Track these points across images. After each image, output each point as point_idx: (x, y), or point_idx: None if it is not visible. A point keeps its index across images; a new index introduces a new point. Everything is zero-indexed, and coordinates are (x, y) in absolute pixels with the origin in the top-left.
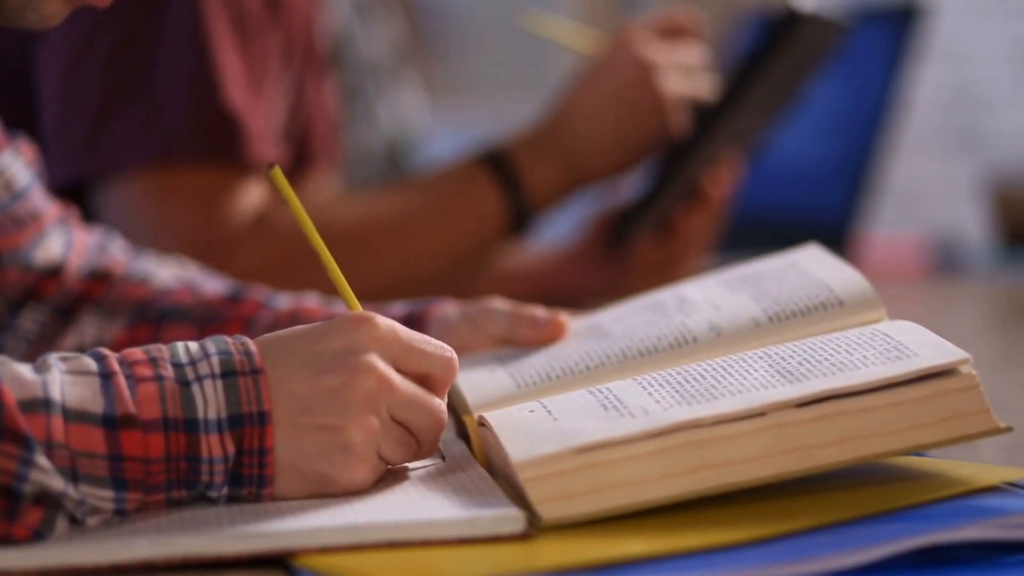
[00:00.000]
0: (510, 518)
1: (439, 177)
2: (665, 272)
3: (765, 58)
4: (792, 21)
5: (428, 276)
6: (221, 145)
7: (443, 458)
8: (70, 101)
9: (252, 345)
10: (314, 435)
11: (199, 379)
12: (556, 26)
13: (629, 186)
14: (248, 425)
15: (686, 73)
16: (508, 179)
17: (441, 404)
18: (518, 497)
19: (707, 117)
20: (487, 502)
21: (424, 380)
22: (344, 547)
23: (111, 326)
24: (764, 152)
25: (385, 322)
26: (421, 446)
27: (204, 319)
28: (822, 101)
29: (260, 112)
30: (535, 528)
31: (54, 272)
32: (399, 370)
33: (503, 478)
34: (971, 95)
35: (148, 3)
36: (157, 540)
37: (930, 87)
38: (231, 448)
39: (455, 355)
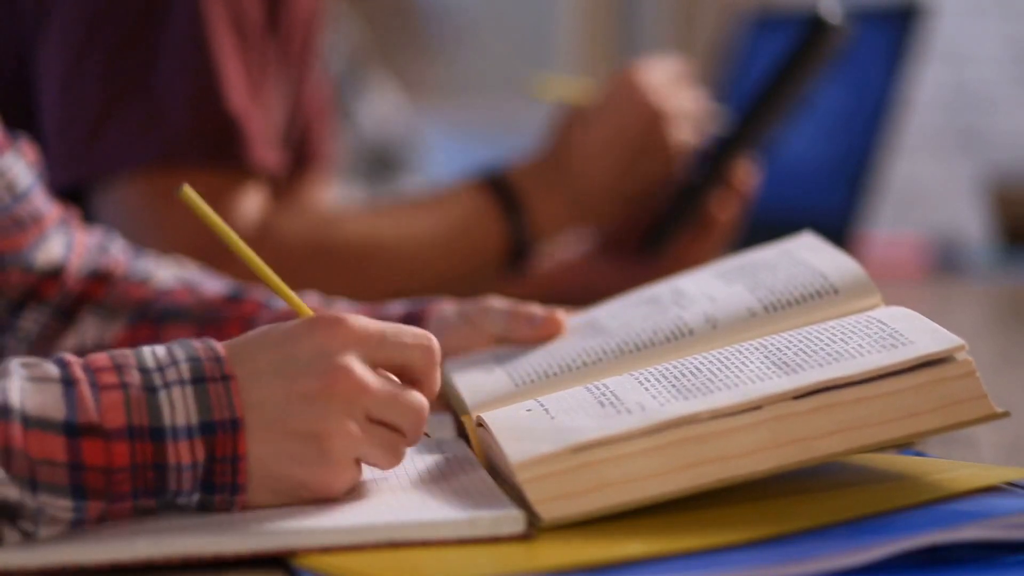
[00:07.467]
0: (510, 519)
1: (444, 201)
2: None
3: (800, 60)
4: (825, 25)
5: (426, 294)
6: (222, 149)
7: (428, 434)
8: (70, 102)
9: (220, 350)
10: (290, 442)
11: (167, 385)
12: (564, 84)
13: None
14: (220, 432)
15: (691, 121)
16: (513, 213)
17: (420, 397)
18: (518, 497)
19: (744, 123)
20: (487, 503)
21: (404, 371)
22: (344, 547)
23: (111, 326)
24: (770, 152)
25: (356, 319)
26: (407, 441)
27: (204, 319)
28: (822, 101)
29: (259, 116)
30: (535, 528)
31: (55, 273)
32: (376, 365)
33: (503, 478)
34: (971, 95)
35: (149, 5)
36: (158, 539)
37: (930, 87)
38: (201, 455)
39: (434, 341)
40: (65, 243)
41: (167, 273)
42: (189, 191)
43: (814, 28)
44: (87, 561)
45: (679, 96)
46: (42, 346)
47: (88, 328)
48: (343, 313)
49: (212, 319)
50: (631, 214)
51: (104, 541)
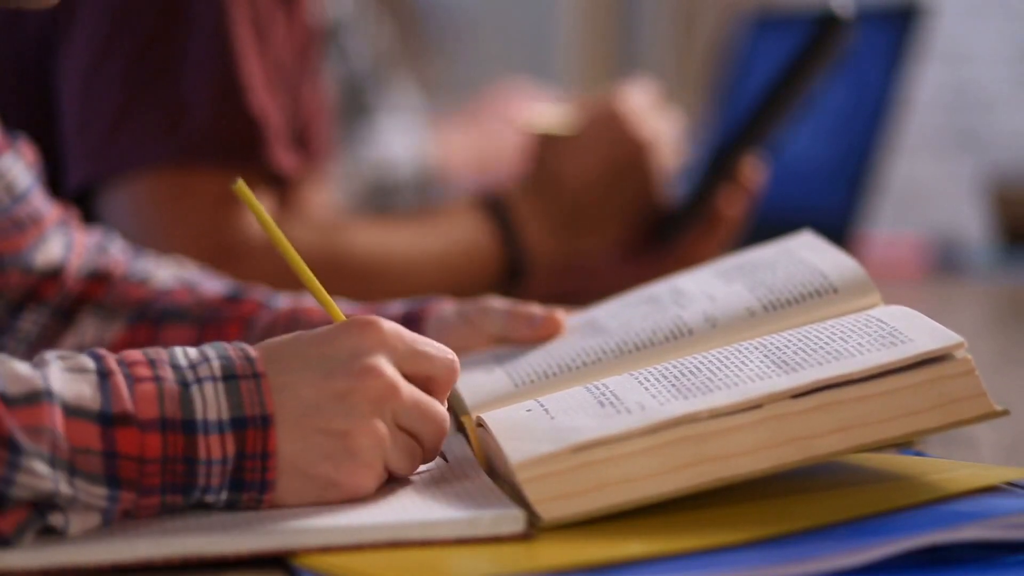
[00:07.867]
0: (510, 518)
1: (446, 219)
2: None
3: (810, 56)
4: (837, 21)
5: None
6: (240, 150)
7: (445, 458)
8: (91, 100)
9: (252, 351)
10: (320, 439)
11: (199, 381)
12: (550, 113)
13: (673, 187)
14: (251, 428)
15: (670, 145)
16: (507, 233)
17: (444, 411)
18: (518, 497)
19: (753, 119)
20: (487, 502)
21: (426, 383)
22: (344, 547)
23: (111, 326)
24: (775, 150)
25: (389, 325)
26: (424, 453)
27: (203, 319)
28: (823, 101)
29: (278, 118)
30: (535, 528)
31: (54, 274)
32: (403, 373)
33: (503, 478)
34: (971, 95)
35: (172, 4)
36: (158, 539)
37: (930, 87)
38: (231, 450)
39: (456, 357)
40: (64, 244)
41: (166, 273)
42: (243, 186)
43: (826, 24)
44: (87, 562)
45: (657, 122)
46: (42, 347)
47: (87, 328)
48: (376, 317)
49: (211, 319)
50: (618, 237)
51: (104, 541)
